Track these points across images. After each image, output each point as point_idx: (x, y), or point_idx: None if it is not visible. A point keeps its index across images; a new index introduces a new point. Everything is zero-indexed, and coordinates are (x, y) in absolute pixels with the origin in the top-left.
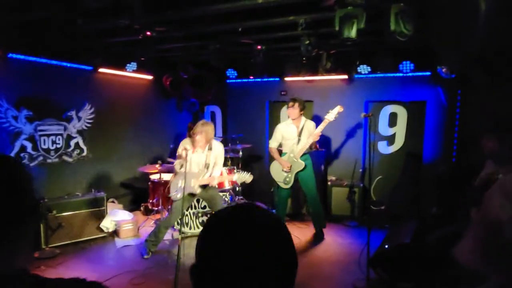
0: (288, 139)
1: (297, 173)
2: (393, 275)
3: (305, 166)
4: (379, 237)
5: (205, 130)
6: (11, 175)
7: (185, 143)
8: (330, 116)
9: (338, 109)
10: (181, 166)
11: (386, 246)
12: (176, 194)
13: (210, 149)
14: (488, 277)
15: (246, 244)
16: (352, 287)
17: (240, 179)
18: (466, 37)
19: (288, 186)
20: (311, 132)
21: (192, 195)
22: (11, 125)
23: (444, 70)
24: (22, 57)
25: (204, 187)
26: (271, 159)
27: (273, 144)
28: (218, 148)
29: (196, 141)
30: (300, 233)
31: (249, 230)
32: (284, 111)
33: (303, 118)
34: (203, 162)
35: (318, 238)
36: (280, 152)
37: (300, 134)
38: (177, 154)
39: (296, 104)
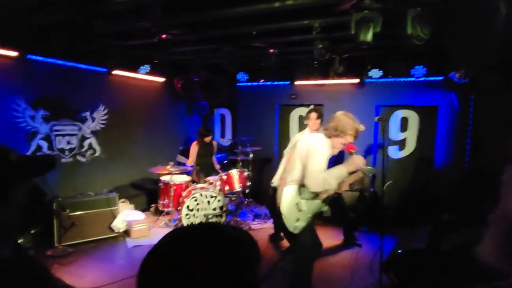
0: None
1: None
2: (406, 281)
3: None
4: (390, 242)
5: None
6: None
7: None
8: None
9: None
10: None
11: (399, 251)
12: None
13: None
14: (508, 275)
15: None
16: None
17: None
18: (483, 41)
19: None
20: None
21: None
22: (28, 125)
23: (457, 75)
24: (40, 58)
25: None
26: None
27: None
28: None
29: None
30: None
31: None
32: (294, 115)
33: (320, 130)
34: None
35: (353, 243)
36: None
37: None
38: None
39: (318, 115)
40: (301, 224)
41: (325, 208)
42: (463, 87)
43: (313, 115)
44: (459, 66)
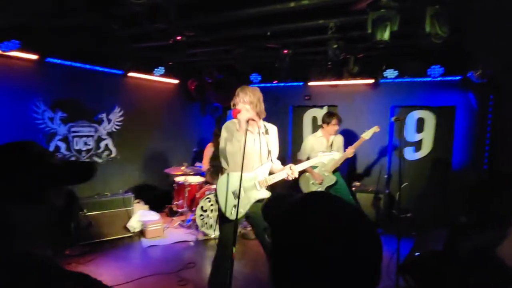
0: (317, 152)
1: (327, 188)
2: (423, 283)
3: (336, 181)
4: (406, 245)
5: (253, 99)
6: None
7: (228, 126)
8: (367, 135)
9: (374, 129)
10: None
11: (417, 254)
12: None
13: (266, 131)
14: None
15: (325, 236)
16: None
17: (327, 159)
18: (505, 39)
19: None
20: (339, 146)
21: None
22: (47, 126)
23: (476, 74)
24: (58, 61)
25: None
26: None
27: (302, 156)
28: (275, 130)
29: (240, 119)
30: None
31: (327, 221)
32: (307, 116)
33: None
34: (259, 151)
35: None
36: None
37: (330, 148)
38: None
39: (338, 122)
40: (240, 211)
41: (267, 196)
42: (482, 87)
43: (335, 121)
44: (477, 66)
